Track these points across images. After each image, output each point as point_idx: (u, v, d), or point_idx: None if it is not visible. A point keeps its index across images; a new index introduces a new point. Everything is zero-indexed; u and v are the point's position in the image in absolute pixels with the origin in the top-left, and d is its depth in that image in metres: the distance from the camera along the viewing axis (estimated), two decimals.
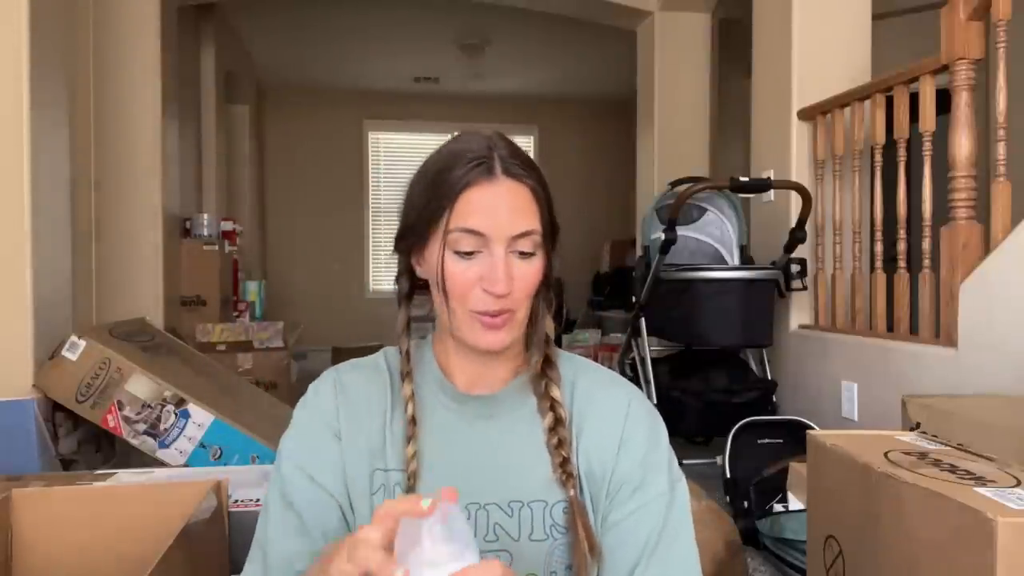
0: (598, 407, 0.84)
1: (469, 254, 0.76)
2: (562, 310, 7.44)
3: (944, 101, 2.21)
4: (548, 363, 0.84)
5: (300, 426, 0.83)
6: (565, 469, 0.79)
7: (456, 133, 0.83)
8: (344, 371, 0.87)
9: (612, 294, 6.86)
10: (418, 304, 0.87)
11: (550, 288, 0.83)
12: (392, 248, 0.85)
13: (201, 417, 2.22)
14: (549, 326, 0.84)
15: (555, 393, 0.82)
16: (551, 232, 0.80)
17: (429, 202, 0.77)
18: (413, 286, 0.85)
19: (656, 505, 0.80)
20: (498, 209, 0.75)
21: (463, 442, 0.82)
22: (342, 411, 0.82)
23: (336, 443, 0.81)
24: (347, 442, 0.81)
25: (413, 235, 0.80)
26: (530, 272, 0.77)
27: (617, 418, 0.83)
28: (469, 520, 0.77)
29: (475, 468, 0.81)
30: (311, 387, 0.86)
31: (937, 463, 1.05)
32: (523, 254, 0.77)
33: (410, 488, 0.79)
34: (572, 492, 0.79)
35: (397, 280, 0.86)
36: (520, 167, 0.77)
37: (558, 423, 0.81)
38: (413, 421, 0.81)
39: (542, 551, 0.78)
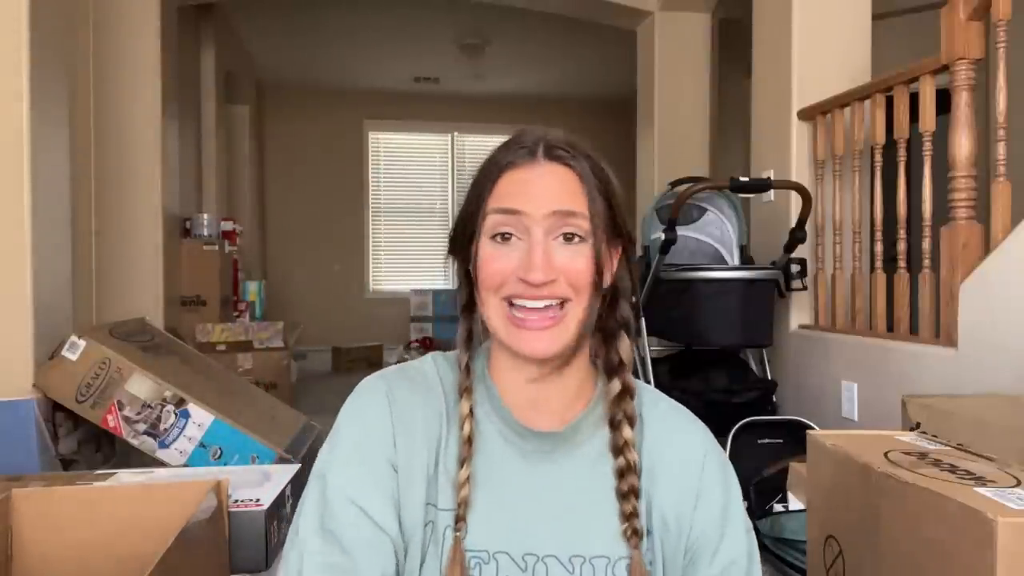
0: (672, 455, 0.76)
1: (507, 239, 0.69)
2: None
3: (944, 101, 2.21)
4: (623, 396, 0.74)
5: (350, 449, 0.72)
6: (631, 523, 0.71)
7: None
8: (395, 383, 0.75)
9: None
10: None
11: (619, 301, 0.75)
12: (447, 251, 0.78)
13: (201, 417, 2.22)
14: (624, 349, 0.75)
15: (628, 434, 0.73)
16: (612, 227, 0.72)
17: (472, 191, 0.73)
18: (472, 294, 0.76)
19: (736, 571, 0.74)
20: (537, 187, 0.69)
21: (521, 480, 0.74)
22: (399, 437, 0.72)
23: (393, 474, 0.71)
24: (403, 472, 0.71)
25: (461, 230, 0.74)
26: (576, 259, 0.68)
27: (693, 469, 0.76)
28: (525, 573, 0.71)
29: (534, 513, 0.73)
30: (359, 399, 0.75)
31: (937, 463, 1.05)
32: (568, 238, 0.69)
33: (459, 528, 0.70)
34: (635, 551, 0.71)
35: (457, 290, 0.78)
36: (568, 152, 0.71)
37: (629, 469, 0.72)
38: (469, 442, 0.72)
39: None
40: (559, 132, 0.74)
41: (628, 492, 0.72)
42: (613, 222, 0.72)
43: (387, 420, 0.72)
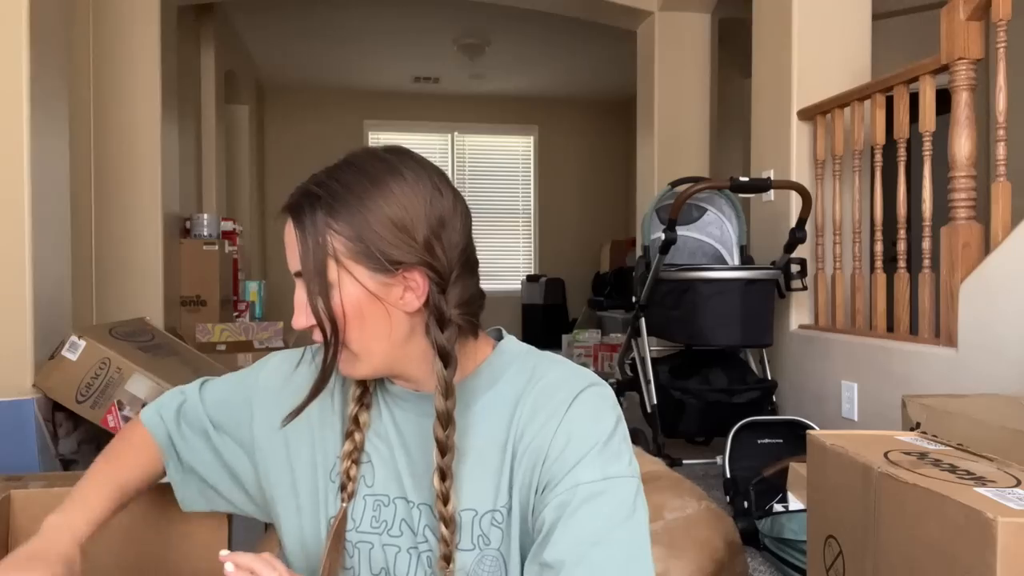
0: (540, 415, 0.75)
1: None
2: (565, 311, 7.46)
3: (944, 101, 2.21)
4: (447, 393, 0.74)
5: (268, 371, 0.89)
6: (438, 506, 0.73)
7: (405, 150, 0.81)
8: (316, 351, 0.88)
9: (612, 294, 6.87)
10: None
11: (430, 328, 0.74)
12: None
13: None
14: (438, 374, 0.74)
15: (440, 433, 0.73)
16: (374, 259, 0.72)
17: None
18: None
19: (571, 498, 0.71)
20: (287, 249, 0.78)
21: (407, 437, 0.80)
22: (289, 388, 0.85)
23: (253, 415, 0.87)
24: (294, 427, 0.83)
25: None
26: (330, 305, 0.73)
27: (555, 418, 0.74)
28: (411, 515, 0.78)
29: (414, 465, 0.79)
30: (295, 351, 0.89)
31: (937, 463, 1.05)
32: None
33: (347, 481, 0.79)
34: (443, 532, 0.73)
35: None
36: (295, 204, 0.76)
37: (441, 451, 0.73)
38: (356, 420, 0.81)
39: (468, 561, 0.75)
40: (337, 164, 0.77)
41: (442, 476, 0.74)
42: (370, 254, 0.72)
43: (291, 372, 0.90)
